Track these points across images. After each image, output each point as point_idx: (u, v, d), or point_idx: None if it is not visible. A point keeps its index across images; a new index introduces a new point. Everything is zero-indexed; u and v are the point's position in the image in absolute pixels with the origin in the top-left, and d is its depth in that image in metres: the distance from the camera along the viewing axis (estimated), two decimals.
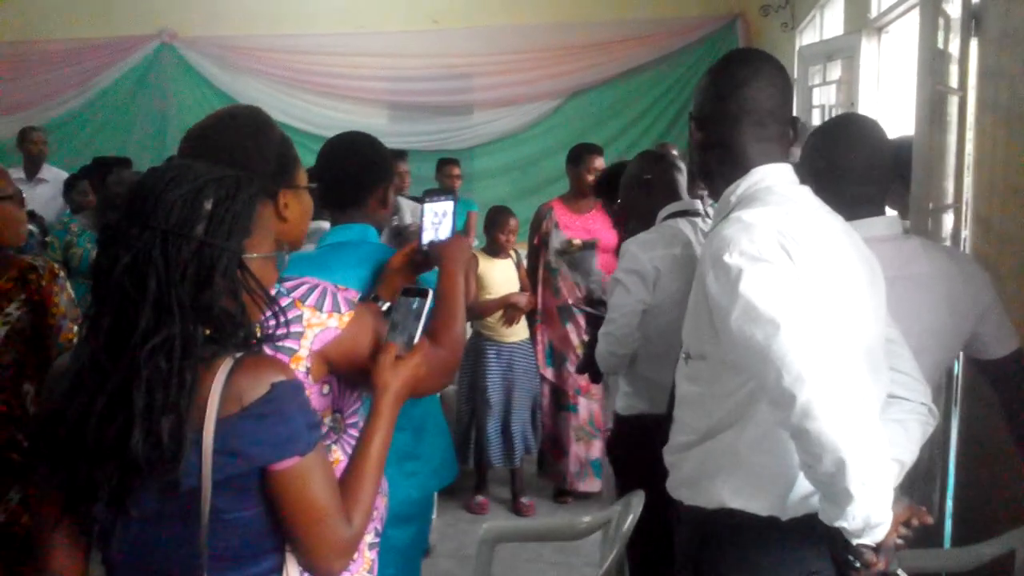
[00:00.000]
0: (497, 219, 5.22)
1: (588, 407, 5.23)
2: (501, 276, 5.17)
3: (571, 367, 5.16)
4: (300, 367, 1.69)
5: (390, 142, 2.84)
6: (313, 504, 1.46)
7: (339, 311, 1.73)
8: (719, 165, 1.94)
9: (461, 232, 2.16)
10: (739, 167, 1.90)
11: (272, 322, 1.55)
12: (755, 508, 1.81)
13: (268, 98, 9.38)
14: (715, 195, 2.00)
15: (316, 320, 1.70)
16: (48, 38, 9.37)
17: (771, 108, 1.90)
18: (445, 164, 6.92)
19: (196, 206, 1.44)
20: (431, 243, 2.13)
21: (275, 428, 1.43)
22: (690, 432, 1.92)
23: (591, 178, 5.11)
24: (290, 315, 1.67)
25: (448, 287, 2.04)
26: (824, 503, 1.67)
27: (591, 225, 5.19)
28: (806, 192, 1.90)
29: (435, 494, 2.91)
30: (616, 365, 3.12)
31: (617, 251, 5.23)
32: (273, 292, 1.66)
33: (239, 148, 1.79)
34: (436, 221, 2.15)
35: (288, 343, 1.67)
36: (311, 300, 1.72)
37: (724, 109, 1.90)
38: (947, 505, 3.09)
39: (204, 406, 1.39)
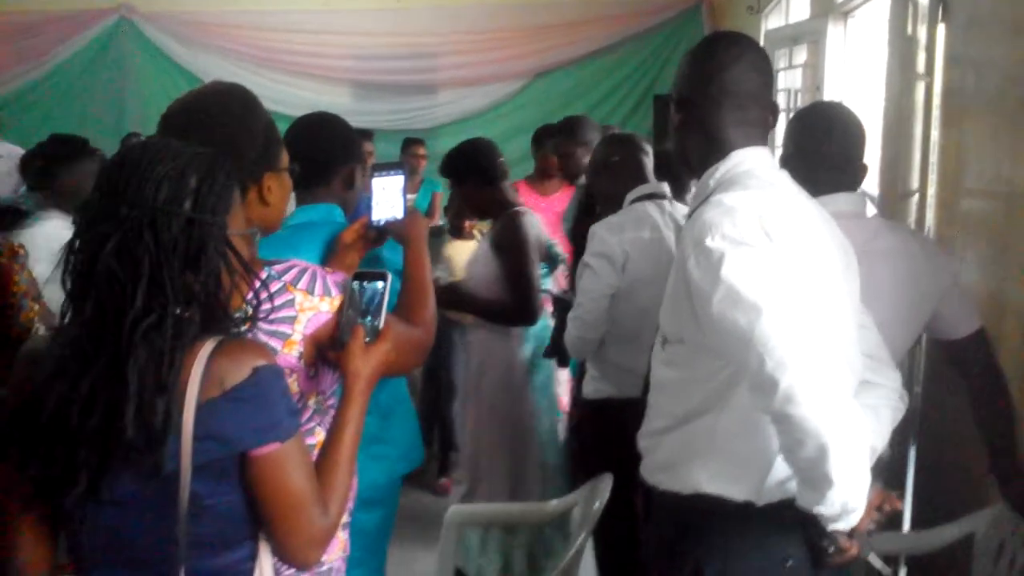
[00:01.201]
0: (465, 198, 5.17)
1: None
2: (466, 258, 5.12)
3: None
4: (293, 352, 1.67)
5: (354, 121, 2.78)
6: (291, 491, 1.44)
7: (330, 294, 1.72)
8: (698, 147, 1.93)
9: (415, 208, 2.14)
10: (718, 150, 1.88)
11: (256, 302, 1.54)
12: (731, 493, 1.82)
13: (230, 76, 9.22)
14: (694, 176, 1.99)
15: (308, 304, 1.69)
16: (3, 10, 9.15)
17: (752, 92, 1.89)
18: (410, 144, 6.87)
19: (183, 182, 1.42)
20: (388, 221, 2.11)
21: (257, 413, 1.41)
22: (666, 417, 1.92)
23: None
24: (282, 299, 1.66)
25: (417, 267, 2.07)
26: (802, 488, 1.68)
27: (557, 207, 5.17)
28: (785, 176, 1.90)
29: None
30: (585, 349, 3.12)
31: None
32: (264, 275, 1.65)
33: (226, 128, 1.75)
34: (386, 196, 2.13)
35: (281, 327, 1.65)
36: (302, 283, 1.70)
37: (705, 91, 1.89)
38: (907, 487, 3.12)
39: (184, 389, 1.37)
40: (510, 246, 3.51)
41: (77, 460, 1.36)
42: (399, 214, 2.13)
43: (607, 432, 2.99)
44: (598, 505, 2.67)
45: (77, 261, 1.40)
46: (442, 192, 6.54)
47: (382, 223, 2.12)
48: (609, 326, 3.07)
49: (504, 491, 3.58)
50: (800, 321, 1.63)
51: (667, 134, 3.83)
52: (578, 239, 3.91)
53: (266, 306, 1.58)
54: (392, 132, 8.17)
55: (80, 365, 1.37)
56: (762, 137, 1.92)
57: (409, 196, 6.23)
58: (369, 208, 2.12)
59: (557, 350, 3.60)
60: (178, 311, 1.38)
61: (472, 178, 3.61)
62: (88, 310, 1.38)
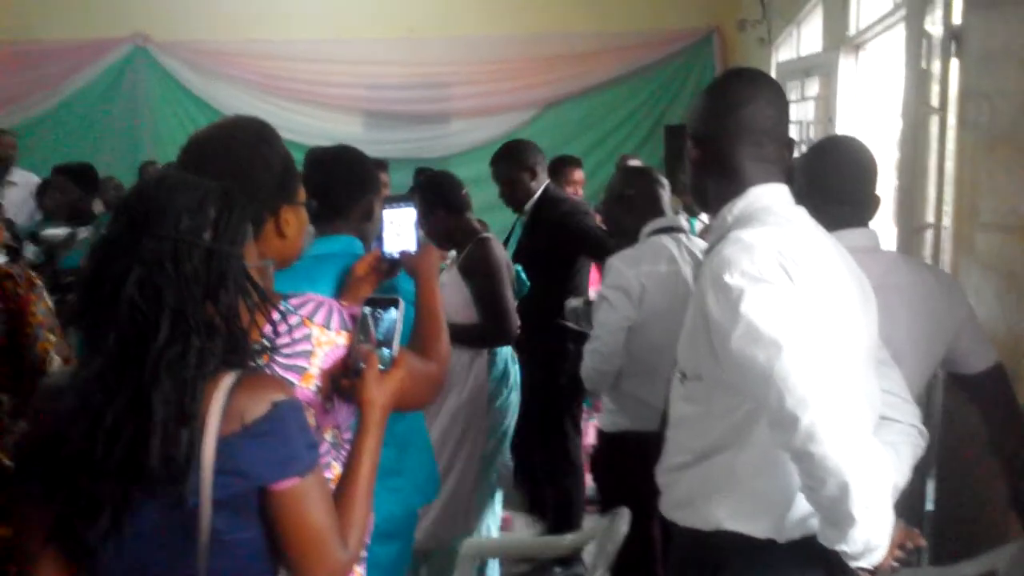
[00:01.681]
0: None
1: None
2: None
3: None
4: (310, 386, 1.67)
5: (366, 150, 2.80)
6: (311, 525, 1.44)
7: (347, 328, 1.72)
8: (716, 184, 1.92)
9: (428, 241, 2.15)
10: (736, 186, 1.88)
11: (276, 334, 1.55)
12: (752, 530, 1.80)
13: (243, 104, 9.30)
14: (710, 213, 1.99)
15: (326, 338, 1.69)
16: (18, 39, 9.25)
17: (770, 128, 1.90)
18: (422, 174, 6.88)
19: (202, 213, 1.43)
20: (401, 253, 2.11)
21: (276, 448, 1.41)
22: (685, 453, 1.91)
23: (571, 190, 5.10)
24: (299, 333, 1.66)
25: (431, 301, 2.06)
26: (824, 526, 1.67)
27: None
28: (802, 212, 1.90)
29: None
30: (601, 382, 3.12)
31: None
32: (281, 309, 1.65)
33: (245, 161, 1.76)
34: (398, 228, 2.13)
35: (299, 361, 1.66)
36: (319, 317, 1.70)
37: (723, 127, 1.89)
38: (926, 522, 3.10)
39: (204, 422, 1.37)
40: (483, 270, 3.57)
41: (101, 494, 1.35)
42: (411, 246, 2.13)
43: (624, 465, 2.98)
44: (616, 539, 2.65)
45: (98, 293, 1.39)
46: None
47: (395, 255, 2.12)
48: (625, 359, 3.06)
49: (444, 513, 3.52)
50: (820, 358, 1.63)
51: (678, 164, 3.84)
52: (523, 260, 4.05)
53: (284, 339, 1.59)
54: (404, 161, 8.20)
55: (104, 397, 1.36)
56: (779, 173, 1.91)
57: None
58: (381, 240, 2.12)
59: (573, 381, 3.63)
60: (200, 343, 1.38)
61: (439, 209, 3.65)
62: (111, 342, 1.37)
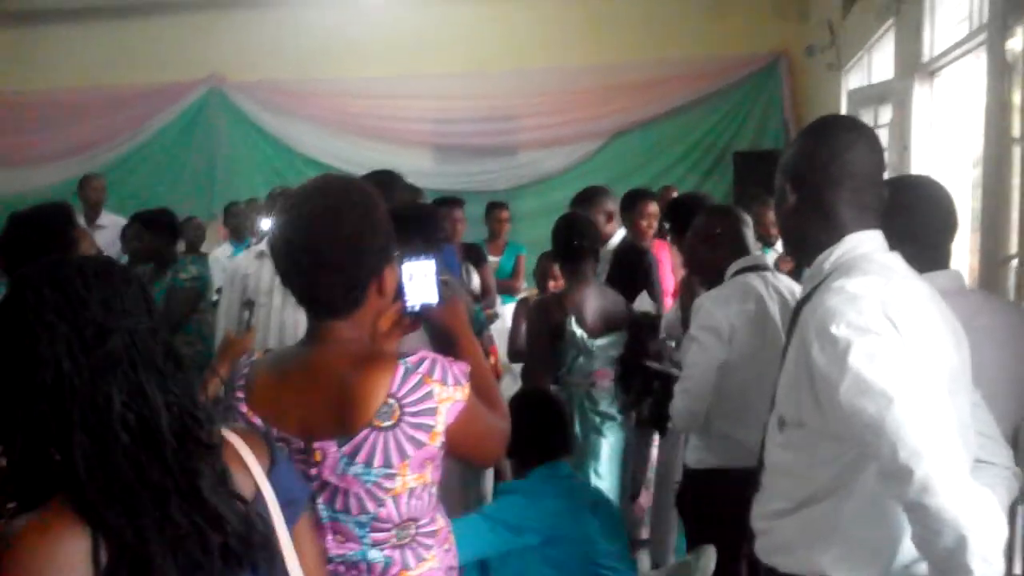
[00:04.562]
0: (547, 265, 5.23)
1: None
2: None
3: None
4: (436, 443, 1.72)
5: (435, 183, 2.91)
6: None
7: (460, 383, 1.76)
8: (813, 229, 1.93)
9: (450, 291, 2.13)
10: (834, 232, 1.89)
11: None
12: None
13: (315, 140, 9.57)
14: (805, 259, 2.00)
15: (446, 394, 1.73)
16: (100, 84, 9.59)
17: (870, 174, 1.90)
18: (494, 208, 6.98)
19: (143, 295, 1.34)
20: (423, 306, 2.02)
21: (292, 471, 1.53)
22: (784, 500, 1.92)
23: (645, 224, 5.12)
24: (422, 391, 1.70)
25: (473, 355, 1.98)
26: None
27: None
28: (898, 259, 1.90)
29: None
30: (693, 422, 3.12)
31: (676, 295, 5.27)
32: (401, 368, 1.70)
33: (356, 236, 1.77)
34: (418, 281, 2.04)
35: (426, 419, 1.70)
36: (437, 374, 1.73)
37: (826, 173, 1.89)
38: (1016, 567, 3.04)
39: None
40: None
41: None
42: (433, 299, 2.04)
43: (712, 503, 2.99)
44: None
45: (86, 417, 1.23)
46: (525, 254, 6.62)
47: (417, 308, 2.04)
48: (714, 397, 3.08)
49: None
50: (929, 408, 1.64)
51: (747, 192, 3.84)
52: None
53: (410, 399, 1.65)
54: (472, 193, 8.30)
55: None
56: (875, 219, 1.91)
57: (493, 259, 6.32)
58: (403, 294, 2.04)
59: (656, 420, 3.65)
60: (204, 422, 1.33)
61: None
62: (120, 459, 1.23)
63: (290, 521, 1.43)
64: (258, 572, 1.33)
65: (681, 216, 3.91)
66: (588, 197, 4.80)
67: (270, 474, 1.42)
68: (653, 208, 5.18)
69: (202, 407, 1.34)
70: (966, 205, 4.10)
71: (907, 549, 1.75)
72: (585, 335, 3.74)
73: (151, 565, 1.20)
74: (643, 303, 4.23)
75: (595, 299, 3.83)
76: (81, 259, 1.34)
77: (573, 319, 3.72)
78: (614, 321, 3.86)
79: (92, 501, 1.19)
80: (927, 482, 1.58)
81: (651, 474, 5.03)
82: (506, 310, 5.85)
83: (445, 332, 2.04)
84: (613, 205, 4.85)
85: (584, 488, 3.03)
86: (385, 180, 3.02)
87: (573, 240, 3.85)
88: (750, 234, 3.30)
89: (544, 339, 3.71)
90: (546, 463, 2.95)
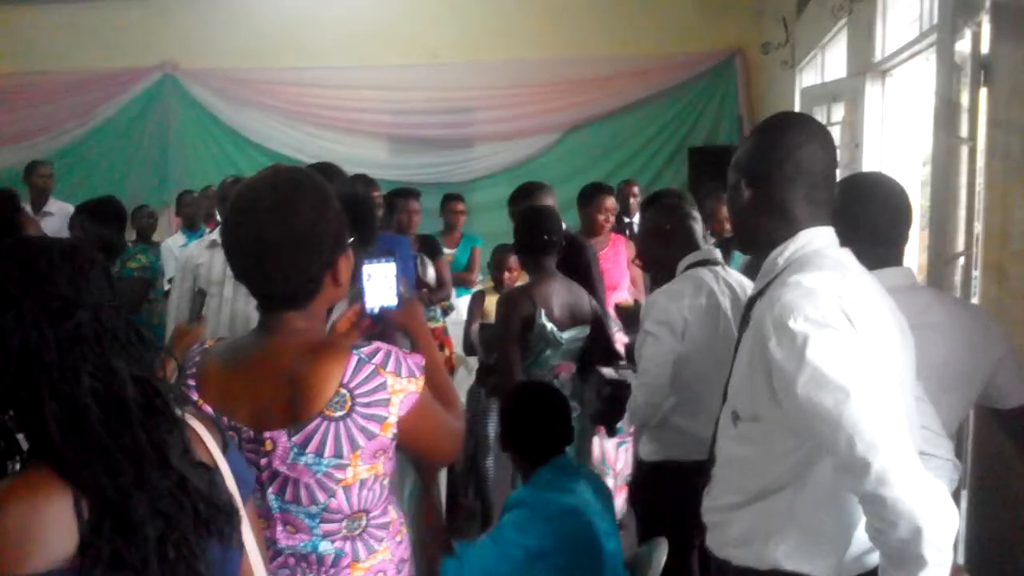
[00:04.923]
0: (502, 257, 5.23)
1: (601, 445, 5.23)
2: None
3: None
4: (388, 434, 1.72)
5: (391, 174, 2.90)
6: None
7: (414, 375, 1.76)
8: (767, 224, 1.95)
9: (408, 294, 2.15)
10: (788, 228, 1.91)
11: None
12: (810, 569, 1.83)
13: (270, 130, 9.48)
14: (759, 253, 2.01)
15: (399, 386, 1.72)
16: (51, 69, 9.42)
17: (824, 171, 1.93)
18: (450, 200, 6.94)
19: (102, 272, 1.37)
20: (382, 308, 2.07)
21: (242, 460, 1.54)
22: (738, 492, 1.93)
23: (602, 218, 5.14)
24: (375, 382, 1.70)
25: (432, 360, 1.96)
26: (890, 567, 1.68)
27: (604, 264, 5.20)
28: (850, 255, 1.93)
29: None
30: (653, 415, 3.14)
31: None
32: (354, 359, 1.69)
33: (309, 227, 1.74)
34: (378, 283, 2.09)
35: (378, 410, 1.70)
36: (391, 366, 1.73)
37: (781, 169, 1.91)
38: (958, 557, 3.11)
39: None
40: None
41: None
42: (392, 301, 2.08)
43: (664, 494, 3.02)
44: (654, 568, 2.68)
45: (55, 385, 1.25)
46: (482, 247, 6.61)
47: (376, 311, 2.08)
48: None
49: None
50: (884, 402, 1.67)
51: (702, 187, 3.87)
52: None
53: (362, 389, 1.65)
54: (428, 185, 8.28)
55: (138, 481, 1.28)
56: (827, 215, 1.94)
57: (449, 251, 6.30)
58: (362, 296, 2.08)
59: (606, 419, 3.67)
60: (165, 397, 1.36)
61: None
62: (95, 426, 1.26)
63: (242, 500, 1.45)
64: (222, 539, 1.35)
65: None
66: (529, 192, 4.79)
67: (225, 455, 1.45)
68: (611, 202, 5.20)
69: (163, 382, 1.36)
70: (916, 203, 4.16)
71: (859, 540, 1.79)
72: (555, 328, 3.75)
73: (132, 517, 1.24)
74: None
75: (561, 292, 3.84)
76: (45, 238, 1.37)
77: (543, 312, 3.73)
78: (579, 314, 3.87)
79: (70, 462, 1.23)
80: (884, 474, 1.60)
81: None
82: (461, 302, 5.84)
83: (399, 329, 2.08)
84: (554, 201, 4.84)
85: (585, 476, 2.97)
86: (326, 173, 2.99)
87: (543, 233, 3.84)
88: (699, 229, 3.34)
89: (516, 331, 3.70)
90: (551, 460, 2.88)
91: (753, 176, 1.96)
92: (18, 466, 1.29)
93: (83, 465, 1.23)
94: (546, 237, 3.82)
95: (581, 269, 4.26)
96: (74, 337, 1.26)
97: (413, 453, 1.88)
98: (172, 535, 1.27)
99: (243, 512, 1.43)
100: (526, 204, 4.61)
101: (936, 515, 1.60)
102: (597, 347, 3.97)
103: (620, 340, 4.16)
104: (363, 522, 1.79)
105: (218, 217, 4.48)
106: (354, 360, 1.70)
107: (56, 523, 1.21)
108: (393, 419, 1.71)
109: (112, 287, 1.35)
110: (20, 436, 1.30)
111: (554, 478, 2.83)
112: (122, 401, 1.28)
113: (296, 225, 1.73)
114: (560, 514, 2.69)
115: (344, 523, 1.76)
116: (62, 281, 1.28)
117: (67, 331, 1.26)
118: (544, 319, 3.71)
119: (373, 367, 1.71)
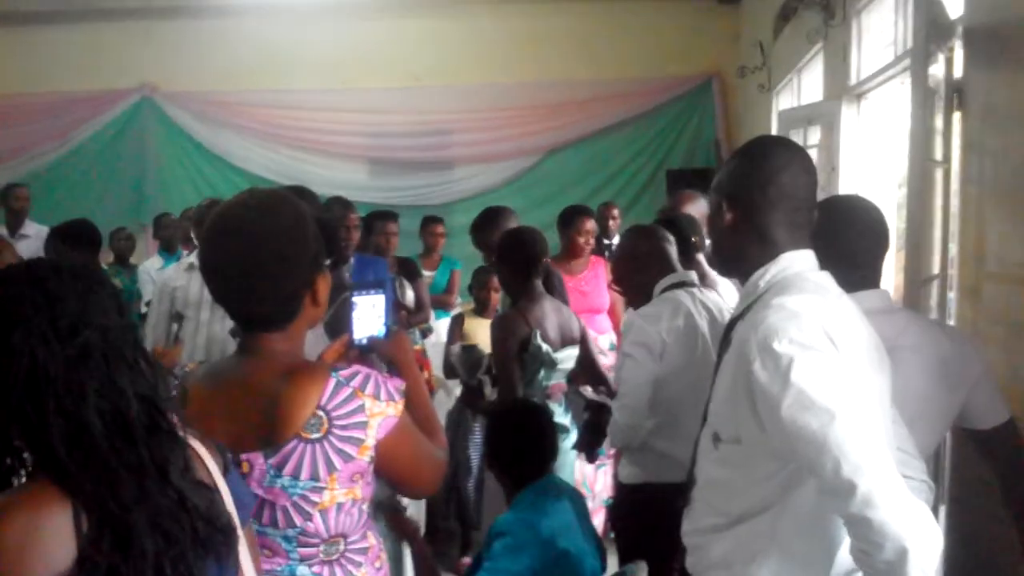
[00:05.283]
0: (482, 279, 5.24)
1: (581, 467, 5.22)
2: (488, 335, 5.17)
3: None
4: (365, 457, 1.72)
5: (370, 197, 2.89)
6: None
7: (393, 399, 1.75)
8: (749, 247, 1.95)
9: (395, 326, 2.15)
10: (769, 251, 1.92)
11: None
12: None
13: (249, 153, 9.46)
14: (739, 276, 2.02)
15: (377, 409, 1.72)
16: (28, 91, 9.36)
17: (805, 195, 1.94)
18: (429, 222, 6.96)
19: (109, 294, 1.39)
20: (370, 339, 2.07)
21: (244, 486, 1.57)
22: (719, 515, 1.93)
23: (582, 240, 5.16)
24: (353, 405, 1.69)
25: (418, 392, 1.98)
26: None
27: (584, 287, 5.23)
28: (829, 278, 1.93)
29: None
30: (634, 437, 3.14)
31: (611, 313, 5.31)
32: (333, 381, 1.69)
33: (288, 248, 1.76)
34: (366, 315, 2.09)
35: (355, 433, 1.69)
36: (369, 389, 1.73)
37: (763, 192, 1.91)
38: None
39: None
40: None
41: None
42: (380, 332, 2.08)
43: (644, 517, 3.01)
44: None
45: (61, 402, 1.28)
46: (461, 269, 6.61)
47: (363, 342, 2.08)
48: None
49: None
50: (868, 424, 1.67)
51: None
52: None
53: (340, 411, 1.65)
54: (407, 208, 8.27)
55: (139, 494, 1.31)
56: (807, 238, 1.95)
57: (428, 274, 6.30)
58: (351, 327, 2.08)
59: (587, 446, 3.67)
60: (168, 416, 1.38)
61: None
62: (99, 442, 1.29)
63: (241, 523, 1.46)
64: (219, 559, 1.37)
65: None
66: (493, 218, 4.84)
67: (225, 478, 1.46)
68: (591, 225, 5.23)
69: (167, 402, 1.40)
70: (892, 226, 4.19)
71: (841, 561, 1.79)
72: (550, 350, 3.75)
73: (131, 532, 1.26)
74: None
75: (552, 313, 3.84)
76: (58, 261, 1.41)
77: (539, 334, 3.73)
78: (570, 335, 3.87)
79: (72, 475, 1.26)
80: (870, 496, 1.60)
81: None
82: (440, 325, 5.84)
83: (386, 363, 2.08)
84: (518, 223, 4.86)
85: (568, 495, 2.95)
86: (299, 196, 2.98)
87: (533, 254, 3.83)
88: (673, 251, 3.35)
89: (515, 353, 3.69)
90: (535, 481, 2.87)
91: (735, 199, 1.96)
92: (24, 479, 1.32)
93: (85, 480, 1.26)
94: (541, 258, 3.82)
95: (548, 293, 4.29)
96: (81, 355, 1.29)
97: (392, 479, 1.86)
98: (170, 552, 1.29)
99: (241, 534, 1.44)
100: (493, 230, 4.65)
101: (922, 537, 1.60)
102: (583, 368, 3.97)
103: (604, 364, 4.17)
104: (341, 547, 1.78)
105: (195, 240, 4.44)
106: (332, 382, 1.69)
107: (56, 536, 1.23)
108: (371, 441, 1.71)
109: (121, 308, 1.38)
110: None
111: (537, 499, 2.82)
112: (126, 419, 1.31)
113: (275, 246, 1.73)
114: (543, 540, 2.67)
115: (321, 547, 1.75)
116: (71, 301, 1.31)
117: (74, 349, 1.29)
118: (539, 340, 3.71)
119: (351, 390, 1.70)
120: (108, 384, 1.31)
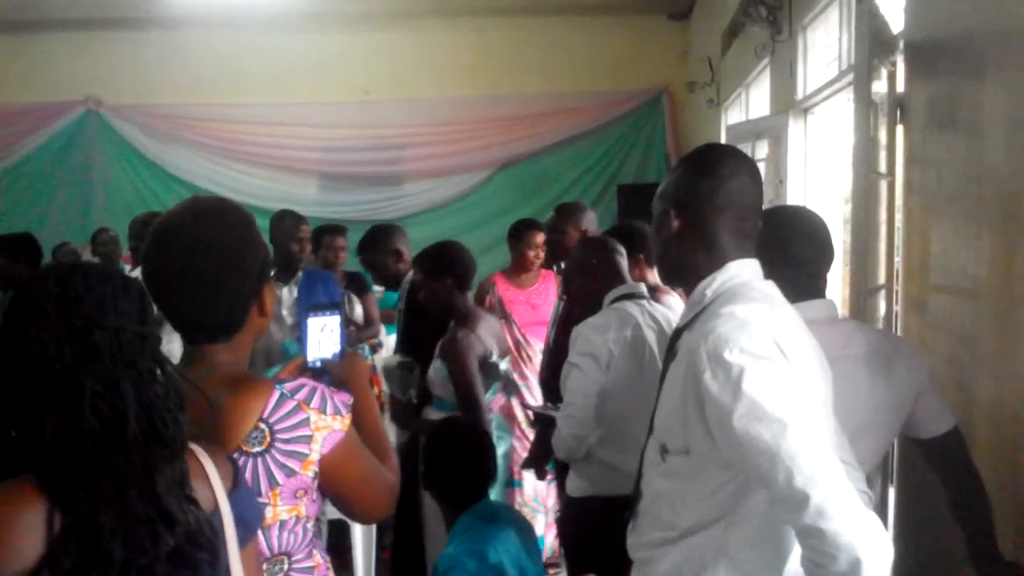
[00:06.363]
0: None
1: (533, 483, 5.20)
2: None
3: (515, 442, 5.13)
4: (309, 472, 1.68)
5: (321, 212, 2.82)
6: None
7: (340, 413, 1.72)
8: (694, 255, 1.93)
9: (355, 350, 2.13)
10: (716, 260, 1.90)
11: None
12: None
13: (197, 167, 9.34)
14: (683, 285, 2.00)
15: (323, 423, 1.69)
16: None
17: (752, 204, 1.93)
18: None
19: (129, 299, 1.40)
20: (324, 361, 2.04)
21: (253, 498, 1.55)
22: (666, 528, 1.90)
23: (532, 254, 5.17)
24: (297, 418, 1.66)
25: (369, 414, 1.96)
26: None
27: (534, 300, 5.22)
28: (775, 287, 1.93)
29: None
30: (579, 448, 3.13)
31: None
32: (276, 394, 1.66)
33: (238, 254, 1.73)
34: (321, 336, 2.06)
35: (299, 447, 1.66)
36: (315, 402, 1.69)
37: (710, 201, 1.90)
38: None
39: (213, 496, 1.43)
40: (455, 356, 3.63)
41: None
42: (335, 352, 2.06)
43: (591, 529, 3.00)
44: None
45: (60, 397, 1.30)
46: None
47: (317, 364, 2.04)
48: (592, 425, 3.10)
49: None
50: (818, 435, 1.66)
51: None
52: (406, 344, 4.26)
53: (283, 424, 1.61)
54: (359, 223, 8.21)
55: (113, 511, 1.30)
56: (752, 248, 1.94)
57: (378, 289, 6.22)
58: (304, 348, 2.05)
59: (536, 462, 3.66)
60: (170, 427, 1.37)
61: (447, 278, 3.70)
62: (88, 443, 1.30)
63: (241, 543, 1.43)
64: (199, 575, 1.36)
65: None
66: (383, 237, 4.91)
67: (231, 495, 1.43)
68: (540, 238, 5.23)
69: (175, 415, 1.39)
70: (838, 239, 4.24)
71: (791, 571, 1.77)
72: (504, 365, 3.74)
73: (100, 538, 1.26)
74: None
75: (488, 326, 3.81)
76: (87, 264, 1.45)
77: (494, 351, 3.71)
78: (505, 345, 3.87)
79: (54, 472, 1.27)
80: (823, 507, 1.58)
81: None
82: (390, 340, 5.79)
83: (340, 386, 1.99)
84: (406, 246, 4.96)
85: (506, 517, 2.90)
86: None
87: (474, 267, 3.81)
88: (624, 263, 3.36)
89: (477, 372, 3.63)
90: (474, 504, 2.83)
91: (682, 207, 1.94)
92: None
93: (63, 477, 1.27)
94: (472, 271, 3.80)
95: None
96: (88, 355, 1.32)
97: (339, 499, 1.82)
98: (139, 561, 1.29)
99: (235, 555, 1.41)
100: (382, 249, 4.67)
101: (874, 547, 1.59)
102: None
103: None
104: (285, 566, 1.74)
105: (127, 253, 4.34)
106: (276, 395, 1.66)
107: (28, 531, 1.25)
108: (315, 456, 1.68)
109: (143, 316, 1.41)
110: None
111: (478, 525, 2.76)
112: (123, 424, 1.31)
113: (221, 254, 1.71)
114: (492, 566, 2.63)
115: (265, 566, 1.70)
116: (90, 302, 1.34)
117: (83, 348, 1.32)
118: (496, 357, 3.69)
119: (296, 403, 1.67)
120: (111, 387, 1.32)
